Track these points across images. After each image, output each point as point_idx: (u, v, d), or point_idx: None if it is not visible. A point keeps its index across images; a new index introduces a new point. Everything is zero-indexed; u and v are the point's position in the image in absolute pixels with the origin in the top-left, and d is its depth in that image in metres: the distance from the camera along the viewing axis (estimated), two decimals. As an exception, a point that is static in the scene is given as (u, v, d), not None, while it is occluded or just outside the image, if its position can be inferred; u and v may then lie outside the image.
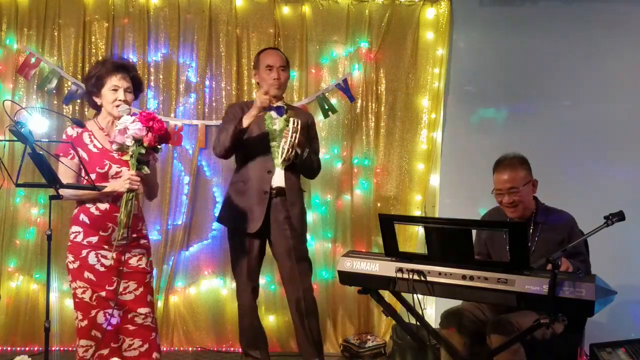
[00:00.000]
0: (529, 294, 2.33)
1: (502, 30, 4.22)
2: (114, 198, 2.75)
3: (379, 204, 4.26)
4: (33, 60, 4.08)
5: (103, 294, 2.76)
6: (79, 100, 4.14)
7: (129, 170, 2.71)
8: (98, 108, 2.90)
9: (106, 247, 2.77)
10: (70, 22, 4.12)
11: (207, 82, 4.20)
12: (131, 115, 2.65)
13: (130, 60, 3.17)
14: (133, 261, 2.83)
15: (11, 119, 3.31)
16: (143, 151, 2.65)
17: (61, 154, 2.80)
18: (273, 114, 3.38)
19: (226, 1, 4.18)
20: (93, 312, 2.74)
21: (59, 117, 4.08)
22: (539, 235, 2.99)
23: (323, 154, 4.06)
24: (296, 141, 3.20)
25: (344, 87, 4.21)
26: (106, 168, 2.77)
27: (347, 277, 2.74)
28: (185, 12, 4.17)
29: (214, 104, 4.22)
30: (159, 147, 2.71)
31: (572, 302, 2.27)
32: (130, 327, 2.82)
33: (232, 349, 4.19)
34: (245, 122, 3.23)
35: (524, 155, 3.07)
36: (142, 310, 2.84)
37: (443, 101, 4.24)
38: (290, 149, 3.21)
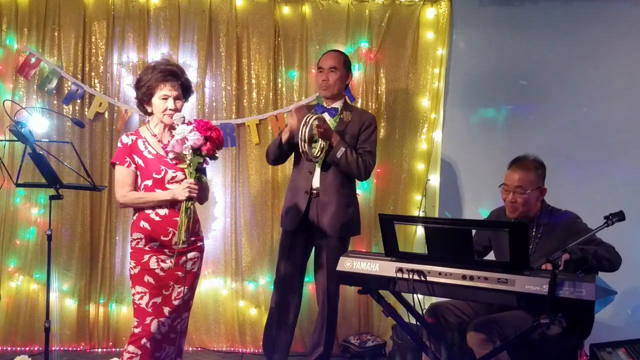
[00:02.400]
0: (529, 294, 2.33)
1: (502, 30, 4.21)
2: (172, 203, 2.77)
3: (379, 204, 4.26)
4: (33, 60, 4.08)
5: (159, 299, 2.76)
6: (79, 100, 4.14)
7: (184, 174, 2.73)
8: (149, 114, 2.91)
9: (167, 251, 2.78)
10: (70, 22, 4.12)
11: (207, 82, 4.20)
12: (187, 124, 2.66)
13: (178, 64, 3.16)
14: (188, 265, 2.83)
15: (11, 119, 3.33)
16: (201, 160, 2.68)
17: (117, 162, 2.81)
18: (326, 115, 3.48)
19: (226, 1, 4.18)
20: (148, 320, 2.74)
21: (59, 117, 4.08)
22: (540, 236, 2.99)
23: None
24: (305, 136, 3.23)
25: (344, 87, 4.21)
26: (162, 174, 2.79)
27: (347, 277, 2.74)
28: (185, 12, 4.17)
29: (214, 104, 4.22)
30: (216, 154, 2.73)
31: (572, 302, 2.27)
32: (172, 335, 2.83)
33: (232, 349, 4.20)
34: (284, 137, 3.39)
35: (543, 162, 3.08)
36: (185, 314, 2.89)
37: (443, 101, 4.24)
38: (302, 143, 3.24)
